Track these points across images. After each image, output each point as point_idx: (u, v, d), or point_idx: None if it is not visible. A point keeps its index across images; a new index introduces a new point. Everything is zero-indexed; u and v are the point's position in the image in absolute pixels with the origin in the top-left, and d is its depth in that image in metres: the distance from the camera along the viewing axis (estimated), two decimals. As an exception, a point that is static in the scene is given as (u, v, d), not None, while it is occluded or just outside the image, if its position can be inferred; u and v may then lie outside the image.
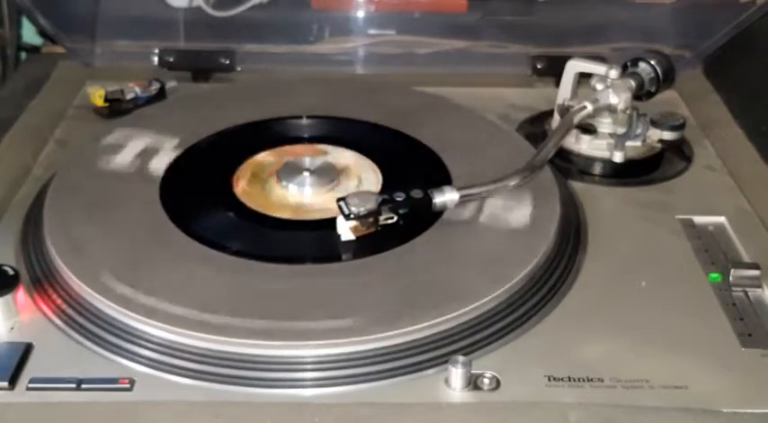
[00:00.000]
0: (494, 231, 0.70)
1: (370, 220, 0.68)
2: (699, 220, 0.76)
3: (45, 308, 0.64)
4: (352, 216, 0.67)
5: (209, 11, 1.01)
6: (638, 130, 0.82)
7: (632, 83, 0.81)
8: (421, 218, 0.70)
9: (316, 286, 0.64)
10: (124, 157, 0.80)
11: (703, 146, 0.88)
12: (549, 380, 0.59)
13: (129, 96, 0.93)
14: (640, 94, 0.83)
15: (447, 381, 0.58)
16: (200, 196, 0.75)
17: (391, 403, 0.57)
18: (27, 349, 0.60)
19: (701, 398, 0.58)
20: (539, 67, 1.01)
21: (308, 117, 0.88)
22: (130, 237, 0.69)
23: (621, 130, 0.81)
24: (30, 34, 1.13)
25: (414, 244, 0.68)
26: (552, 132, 0.78)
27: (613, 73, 0.80)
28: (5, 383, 0.57)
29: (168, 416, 0.56)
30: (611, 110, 0.80)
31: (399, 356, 0.59)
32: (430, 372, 0.59)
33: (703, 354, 0.61)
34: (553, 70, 0.97)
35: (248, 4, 1.01)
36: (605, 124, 0.82)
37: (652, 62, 0.82)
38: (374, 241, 0.68)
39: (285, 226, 0.72)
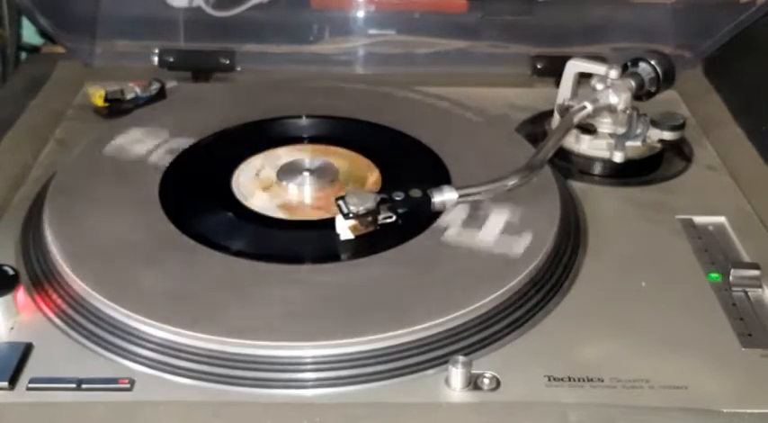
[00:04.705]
0: (494, 231, 0.70)
1: (369, 219, 0.68)
2: (699, 220, 0.76)
3: (45, 308, 0.64)
4: (350, 215, 0.67)
5: (209, 11, 1.01)
6: (638, 130, 0.82)
7: (632, 83, 0.81)
8: (420, 217, 0.70)
9: (315, 286, 0.64)
10: (124, 158, 0.80)
11: (703, 146, 0.87)
12: (549, 380, 0.59)
13: (129, 96, 0.93)
14: (640, 94, 0.82)
15: (447, 381, 0.58)
16: (200, 196, 0.75)
17: (391, 403, 0.57)
18: (27, 349, 0.60)
19: (701, 398, 0.58)
20: (539, 67, 1.01)
21: (308, 117, 0.88)
22: (130, 237, 0.69)
23: (621, 130, 0.81)
24: (30, 34, 1.13)
25: (413, 244, 0.68)
26: (552, 132, 0.78)
27: (613, 73, 0.80)
28: (5, 383, 0.57)
29: (168, 416, 0.56)
30: (611, 110, 0.80)
31: (399, 356, 0.59)
32: (430, 372, 0.59)
33: (703, 354, 0.61)
34: (553, 70, 0.96)
35: (248, 4, 1.01)
36: (605, 124, 0.82)
37: (652, 62, 0.82)
38: (373, 241, 0.68)
39: (285, 226, 0.72)
